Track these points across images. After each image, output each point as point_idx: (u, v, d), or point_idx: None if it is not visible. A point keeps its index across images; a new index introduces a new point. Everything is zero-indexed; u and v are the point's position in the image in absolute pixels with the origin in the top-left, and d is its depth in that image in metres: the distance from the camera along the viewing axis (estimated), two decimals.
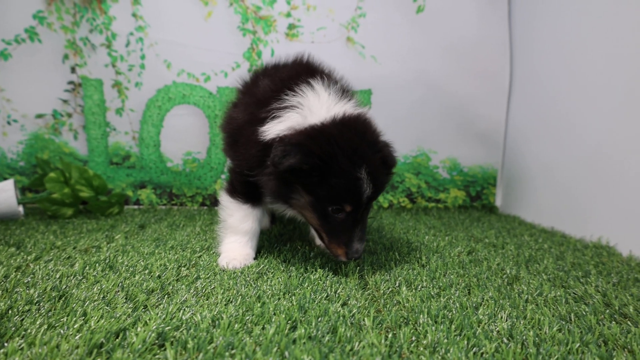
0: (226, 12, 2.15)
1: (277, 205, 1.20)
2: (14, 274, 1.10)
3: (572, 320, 0.90)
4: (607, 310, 0.95)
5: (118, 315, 0.85)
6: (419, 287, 1.07)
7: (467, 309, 0.93)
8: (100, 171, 2.20)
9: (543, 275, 1.19)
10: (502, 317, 0.89)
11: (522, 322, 0.87)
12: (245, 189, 1.25)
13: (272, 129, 1.10)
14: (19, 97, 2.15)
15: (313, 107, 1.12)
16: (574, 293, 1.06)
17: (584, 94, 1.71)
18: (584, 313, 0.93)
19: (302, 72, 1.24)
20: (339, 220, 1.10)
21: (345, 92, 1.23)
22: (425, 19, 2.20)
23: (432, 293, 1.02)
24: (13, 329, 0.78)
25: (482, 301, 0.99)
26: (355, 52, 2.21)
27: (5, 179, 2.15)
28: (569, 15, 1.81)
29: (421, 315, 0.88)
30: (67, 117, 2.19)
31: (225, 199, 1.31)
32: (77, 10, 2.10)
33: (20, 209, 1.94)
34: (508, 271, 1.22)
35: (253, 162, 1.15)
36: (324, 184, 1.05)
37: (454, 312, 0.91)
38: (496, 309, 0.94)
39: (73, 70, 2.15)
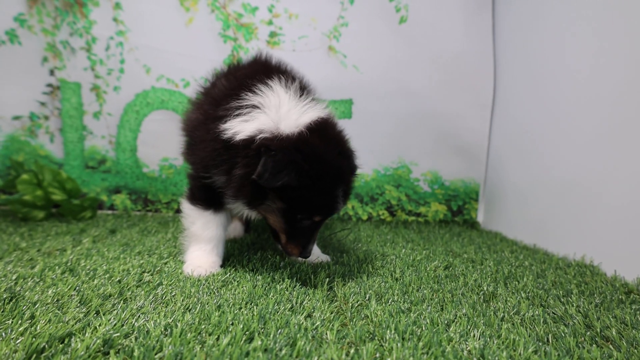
0: (208, 19, 2.15)
1: (237, 205, 1.18)
2: None
3: (550, 341, 0.85)
4: (588, 333, 0.91)
5: (67, 319, 0.82)
6: (390, 301, 1.03)
7: (438, 325, 0.89)
8: (76, 175, 2.15)
9: (522, 293, 1.16)
10: (474, 336, 0.85)
11: (495, 342, 0.83)
12: (205, 195, 1.22)
13: (237, 128, 1.09)
14: None
15: (281, 109, 1.11)
16: (553, 313, 1.02)
17: (569, 109, 1.71)
18: (563, 334, 0.89)
19: (259, 70, 1.23)
20: (303, 226, 1.14)
21: (305, 90, 1.23)
22: (408, 30, 2.21)
23: (403, 308, 0.99)
24: None
25: (455, 318, 0.95)
26: (337, 61, 2.22)
27: None
28: (553, 28, 1.83)
29: (388, 331, 0.84)
30: (44, 119, 2.16)
31: (186, 207, 1.28)
32: (58, 14, 2.09)
33: None
34: (485, 288, 1.18)
35: (209, 161, 1.13)
36: (303, 197, 1.07)
37: (423, 328, 0.87)
38: (469, 326, 0.90)
39: (52, 72, 2.13)
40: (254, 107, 1.11)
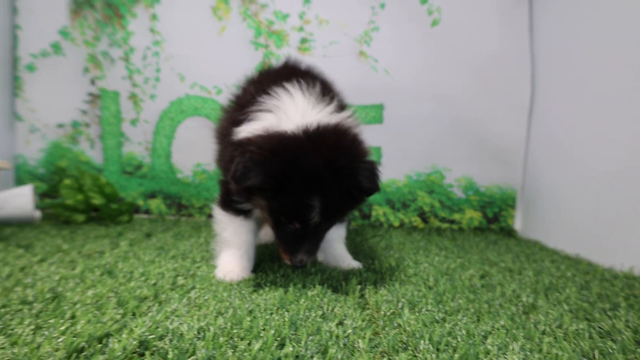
0: (240, 27, 2.20)
1: (245, 204, 1.21)
2: (16, 273, 1.13)
3: (596, 357, 0.79)
4: (639, 350, 0.84)
5: (105, 320, 0.84)
6: (423, 310, 0.99)
7: (474, 337, 0.85)
8: (114, 180, 2.24)
9: (564, 305, 1.09)
10: (513, 349, 0.80)
11: (536, 356, 0.78)
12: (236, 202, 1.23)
13: (246, 129, 1.10)
14: (42, 107, 2.25)
15: (289, 111, 1.11)
16: (599, 327, 0.94)
17: (613, 110, 1.62)
18: (611, 350, 0.82)
19: (284, 75, 1.23)
20: (289, 230, 1.11)
21: (329, 94, 1.21)
22: (441, 33, 2.17)
23: (437, 317, 0.95)
24: (1, 327, 0.79)
25: (492, 330, 0.90)
26: (368, 66, 2.20)
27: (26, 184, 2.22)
28: (596, 26, 1.75)
29: (422, 341, 0.81)
30: (85, 127, 2.27)
31: (217, 213, 1.30)
32: (98, 26, 2.20)
33: (37, 213, 1.99)
34: (524, 299, 1.13)
35: (229, 165, 1.14)
36: (277, 199, 1.06)
37: (459, 339, 0.83)
38: (507, 339, 0.85)
39: (93, 82, 2.23)
40: (269, 110, 1.12)
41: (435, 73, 2.19)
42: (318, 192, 1.04)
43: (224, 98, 2.17)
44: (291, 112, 1.10)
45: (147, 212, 2.30)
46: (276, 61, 2.18)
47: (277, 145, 1.04)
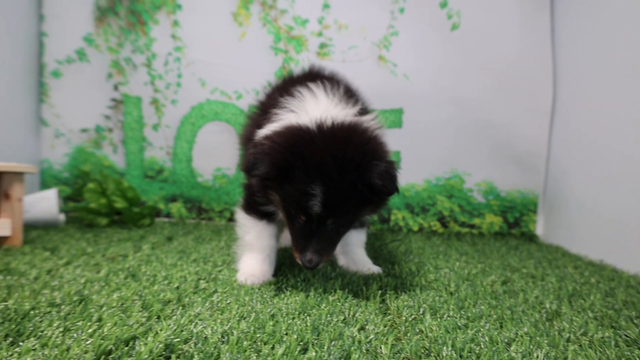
0: (260, 32, 2.22)
1: (267, 206, 1.22)
2: (43, 276, 1.15)
3: None
4: None
5: (131, 323, 0.85)
6: (445, 316, 0.99)
7: (497, 344, 0.84)
8: (136, 184, 2.28)
9: (589, 312, 1.07)
10: (538, 357, 0.79)
11: None
12: (259, 205, 1.24)
13: (267, 128, 1.12)
14: (67, 112, 2.30)
15: (310, 109, 1.13)
16: (625, 335, 0.93)
17: (637, 112, 1.59)
18: (638, 359, 0.81)
19: (308, 79, 1.25)
20: (299, 226, 1.11)
21: (353, 97, 1.22)
22: (460, 37, 2.16)
23: (459, 324, 0.94)
24: (31, 328, 0.80)
25: (516, 337, 0.89)
26: (387, 71, 2.20)
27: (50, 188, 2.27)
28: (619, 28, 1.72)
29: (445, 347, 0.80)
30: (109, 132, 2.31)
31: (241, 216, 1.31)
32: (122, 33, 2.25)
33: (62, 217, 2.04)
34: (547, 305, 1.11)
35: None
36: (284, 189, 1.07)
37: (482, 346, 0.82)
38: (532, 346, 0.84)
39: (116, 88, 2.28)
40: (291, 110, 1.15)
41: (455, 77, 2.17)
42: (319, 182, 1.03)
43: (245, 103, 2.22)
44: (312, 110, 1.12)
45: (168, 215, 2.33)
46: (295, 66, 2.21)
47: (288, 138, 1.06)
